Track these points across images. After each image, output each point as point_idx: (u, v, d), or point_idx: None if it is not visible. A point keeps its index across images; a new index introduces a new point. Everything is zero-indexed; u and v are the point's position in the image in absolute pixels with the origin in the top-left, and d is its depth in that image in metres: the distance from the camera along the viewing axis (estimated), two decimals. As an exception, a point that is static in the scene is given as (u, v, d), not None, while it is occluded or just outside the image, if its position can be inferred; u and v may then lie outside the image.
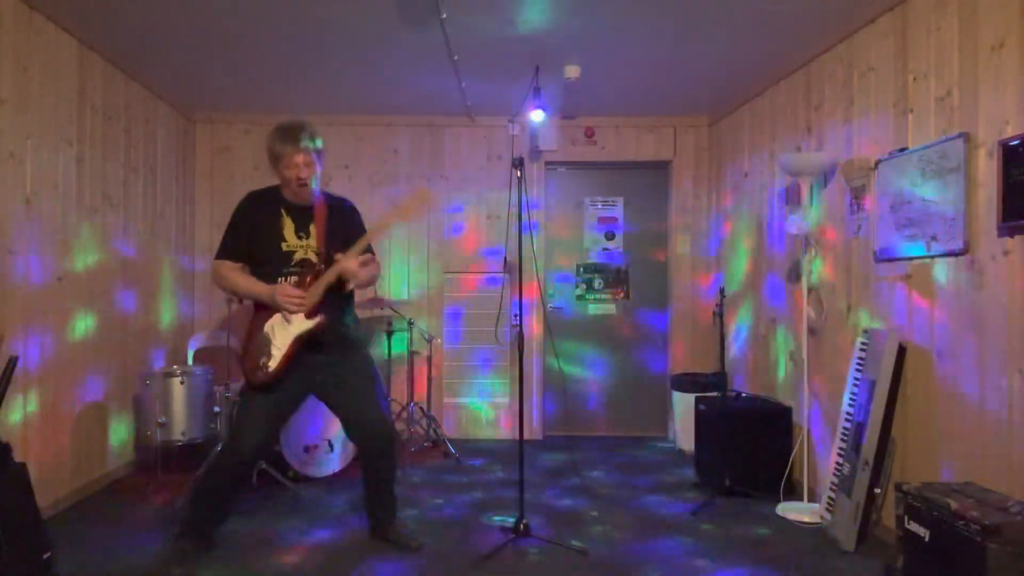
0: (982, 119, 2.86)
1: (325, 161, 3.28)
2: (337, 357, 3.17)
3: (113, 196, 4.37)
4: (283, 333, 3.06)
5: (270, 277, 3.10)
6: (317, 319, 3.06)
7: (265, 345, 3.06)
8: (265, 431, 3.13)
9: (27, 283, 3.52)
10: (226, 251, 3.18)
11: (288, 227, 3.14)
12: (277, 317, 3.07)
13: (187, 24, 3.80)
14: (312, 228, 3.16)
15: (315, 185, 3.14)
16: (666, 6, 3.57)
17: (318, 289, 3.05)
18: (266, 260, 3.13)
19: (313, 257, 3.14)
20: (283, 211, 3.16)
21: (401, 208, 3.25)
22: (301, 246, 3.14)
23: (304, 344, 3.07)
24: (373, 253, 3.33)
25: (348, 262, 3.05)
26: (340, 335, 3.19)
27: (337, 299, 3.15)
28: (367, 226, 3.32)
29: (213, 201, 5.65)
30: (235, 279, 3.14)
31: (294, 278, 3.10)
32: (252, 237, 3.14)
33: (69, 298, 3.90)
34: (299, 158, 3.04)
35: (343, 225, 3.24)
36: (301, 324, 3.06)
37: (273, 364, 3.04)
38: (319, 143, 3.12)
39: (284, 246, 3.13)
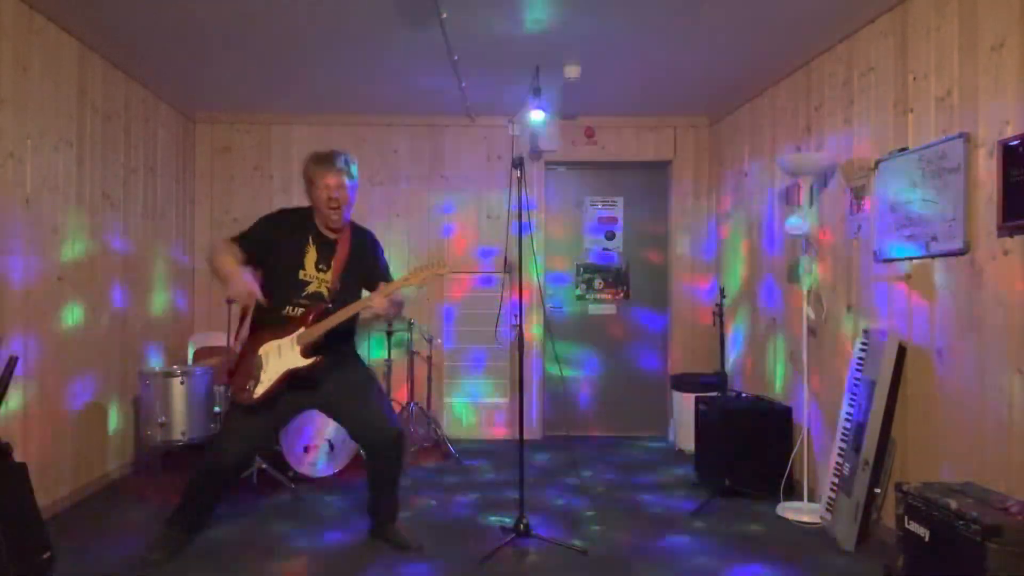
0: (982, 119, 2.86)
1: (356, 194, 3.24)
2: (332, 373, 3.15)
3: (113, 196, 4.37)
4: (276, 362, 3.06)
5: (279, 301, 3.10)
6: (313, 360, 3.06)
7: (256, 369, 3.07)
8: (247, 446, 3.18)
9: (27, 283, 3.52)
10: (239, 238, 3.16)
11: (310, 257, 3.16)
12: (274, 344, 3.07)
13: (187, 24, 3.80)
14: (333, 263, 3.17)
15: (346, 214, 3.17)
16: (666, 6, 3.57)
17: (320, 329, 3.04)
18: (280, 283, 3.12)
19: (325, 292, 3.14)
20: (311, 239, 3.17)
21: (418, 273, 3.15)
22: (317, 278, 3.15)
23: (295, 378, 3.06)
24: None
25: (377, 300, 3.06)
26: (334, 357, 3.15)
27: (343, 330, 3.16)
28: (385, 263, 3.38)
29: (213, 201, 5.65)
30: (221, 252, 3.07)
31: (301, 309, 3.10)
32: (271, 250, 3.14)
33: (70, 298, 3.89)
34: (331, 180, 3.09)
35: (363, 261, 3.26)
36: (295, 359, 3.06)
37: (259, 390, 3.04)
38: (354, 172, 3.17)
39: (302, 274, 3.13)
